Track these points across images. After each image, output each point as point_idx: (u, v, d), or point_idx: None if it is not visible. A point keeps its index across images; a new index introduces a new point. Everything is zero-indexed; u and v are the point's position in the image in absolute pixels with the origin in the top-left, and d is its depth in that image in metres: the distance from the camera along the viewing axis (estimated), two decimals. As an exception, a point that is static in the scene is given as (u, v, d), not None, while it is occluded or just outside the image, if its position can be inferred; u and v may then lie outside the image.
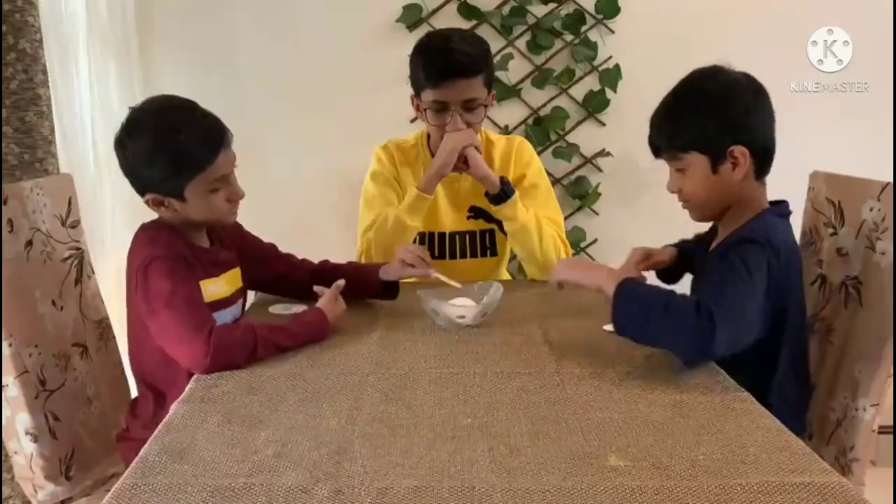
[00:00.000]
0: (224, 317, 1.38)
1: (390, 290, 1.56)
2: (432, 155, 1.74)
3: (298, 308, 1.46)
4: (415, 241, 1.74)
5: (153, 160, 1.25)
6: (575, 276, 1.32)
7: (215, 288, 1.38)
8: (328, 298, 1.40)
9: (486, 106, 1.69)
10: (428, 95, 1.65)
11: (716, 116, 1.26)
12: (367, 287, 1.55)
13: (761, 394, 1.13)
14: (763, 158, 1.29)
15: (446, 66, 1.60)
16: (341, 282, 1.44)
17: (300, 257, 1.60)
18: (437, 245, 1.83)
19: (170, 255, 1.27)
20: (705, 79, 1.29)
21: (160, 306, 1.23)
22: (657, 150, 1.34)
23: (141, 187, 1.30)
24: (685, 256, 1.51)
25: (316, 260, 1.62)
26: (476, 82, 1.63)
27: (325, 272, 1.55)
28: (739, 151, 1.25)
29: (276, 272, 1.56)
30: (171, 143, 1.25)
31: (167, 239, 1.30)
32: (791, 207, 1.34)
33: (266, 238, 1.63)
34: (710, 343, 1.12)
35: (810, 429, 1.47)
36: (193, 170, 1.27)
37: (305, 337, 1.32)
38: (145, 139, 1.25)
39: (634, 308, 1.19)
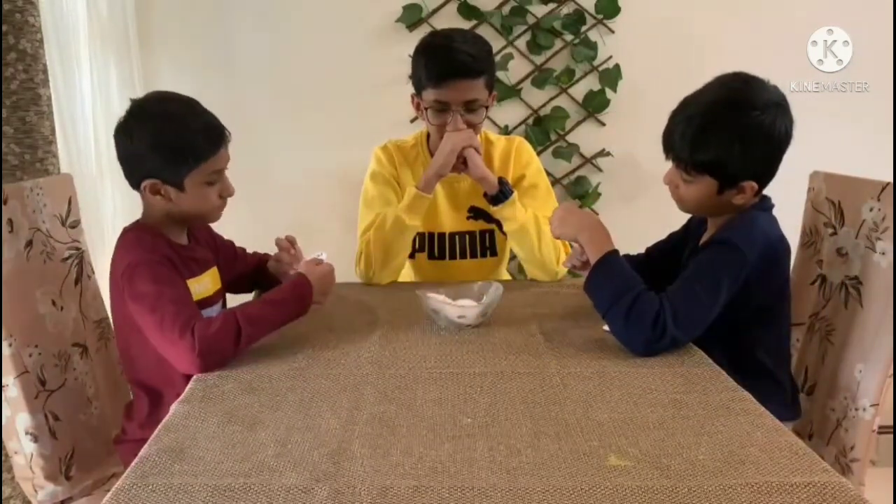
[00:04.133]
0: (210, 314, 1.37)
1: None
2: (432, 155, 1.74)
3: None
4: (414, 242, 1.74)
5: (159, 146, 1.27)
6: (568, 233, 1.41)
7: (199, 287, 1.38)
8: (309, 261, 1.42)
9: (486, 107, 1.69)
10: (429, 95, 1.64)
11: (745, 155, 1.25)
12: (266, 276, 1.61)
13: (752, 386, 1.14)
14: (766, 182, 1.32)
15: (448, 67, 1.60)
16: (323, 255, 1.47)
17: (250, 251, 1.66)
18: (437, 245, 1.83)
19: (153, 259, 1.27)
20: (750, 108, 1.24)
21: (146, 310, 1.23)
22: (672, 153, 1.32)
23: (140, 175, 1.30)
24: (654, 261, 1.54)
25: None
26: (478, 83, 1.63)
27: (262, 264, 1.63)
28: (749, 186, 1.29)
29: (241, 270, 1.60)
30: (179, 131, 1.28)
31: (150, 241, 1.31)
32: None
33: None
34: (657, 346, 1.23)
35: (811, 428, 1.47)
36: (197, 159, 1.29)
37: (287, 300, 1.32)
38: (153, 125, 1.28)
39: (606, 288, 1.28)
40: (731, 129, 1.25)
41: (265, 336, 1.28)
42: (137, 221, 1.37)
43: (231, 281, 1.56)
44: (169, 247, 1.33)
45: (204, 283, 1.40)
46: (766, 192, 1.34)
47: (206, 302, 1.39)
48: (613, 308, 1.26)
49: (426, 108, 1.67)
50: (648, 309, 1.22)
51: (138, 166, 1.30)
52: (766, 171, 1.30)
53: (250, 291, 1.63)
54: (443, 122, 1.66)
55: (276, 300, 1.32)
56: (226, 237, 1.59)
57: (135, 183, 1.32)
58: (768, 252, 1.29)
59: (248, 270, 1.61)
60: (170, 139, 1.27)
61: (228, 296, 1.56)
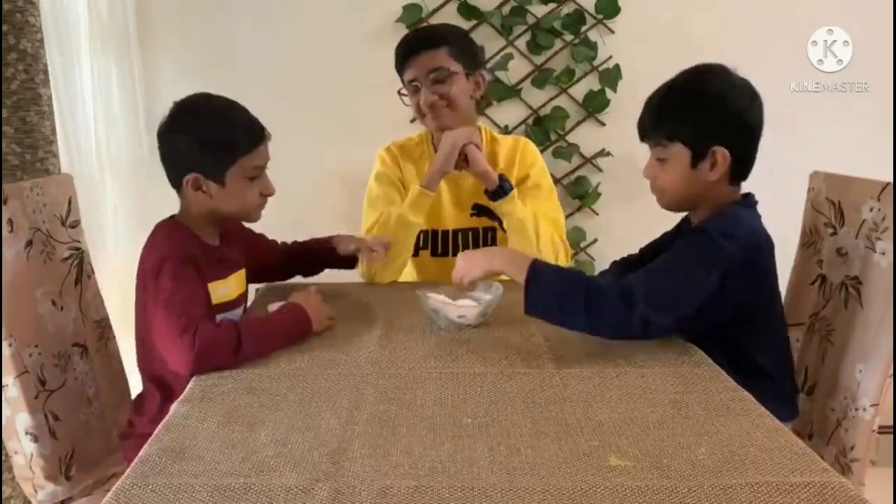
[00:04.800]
0: (233, 317, 1.39)
1: (348, 261, 1.68)
2: (436, 151, 1.75)
3: None
4: (417, 239, 1.75)
5: (202, 140, 1.31)
6: (478, 270, 1.36)
7: (224, 290, 1.39)
8: (302, 294, 1.41)
9: (475, 81, 1.74)
10: (404, 80, 1.73)
11: (708, 114, 1.28)
12: (327, 257, 1.68)
13: (751, 385, 1.14)
14: (742, 163, 1.31)
15: (410, 43, 1.72)
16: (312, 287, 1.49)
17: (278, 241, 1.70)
18: (441, 242, 1.84)
19: (182, 256, 1.28)
20: (707, 75, 1.31)
21: (160, 305, 1.24)
22: (644, 134, 1.36)
23: (182, 170, 1.33)
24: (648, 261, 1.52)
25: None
26: (439, 53, 1.69)
27: (295, 251, 1.68)
28: (721, 153, 1.28)
29: (272, 261, 1.63)
30: (222, 125, 1.32)
31: (181, 237, 1.33)
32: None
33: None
34: (625, 323, 1.20)
35: (811, 428, 1.47)
36: (239, 152, 1.32)
37: (288, 328, 1.32)
38: (197, 120, 1.32)
39: (550, 292, 1.24)
40: (693, 91, 1.31)
41: (262, 356, 1.26)
42: (173, 217, 1.39)
43: (265, 270, 1.61)
44: (198, 246, 1.35)
45: (229, 286, 1.41)
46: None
47: (230, 305, 1.40)
48: (568, 308, 1.23)
49: (405, 94, 1.74)
50: (608, 290, 1.22)
51: (181, 161, 1.33)
52: (737, 140, 1.29)
53: (275, 280, 1.68)
54: (417, 101, 1.72)
55: (277, 324, 1.31)
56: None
57: (176, 180, 1.34)
58: (753, 247, 1.28)
59: (281, 258, 1.65)
60: (213, 133, 1.31)
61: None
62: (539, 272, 1.26)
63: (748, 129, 1.30)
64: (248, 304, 1.55)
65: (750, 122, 1.29)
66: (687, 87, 1.32)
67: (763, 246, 1.31)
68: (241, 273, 1.48)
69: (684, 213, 1.45)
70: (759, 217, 1.34)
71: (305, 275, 1.71)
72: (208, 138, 1.31)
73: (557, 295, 1.24)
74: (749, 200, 1.35)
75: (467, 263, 1.37)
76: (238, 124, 1.33)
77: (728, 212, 1.31)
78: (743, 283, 1.26)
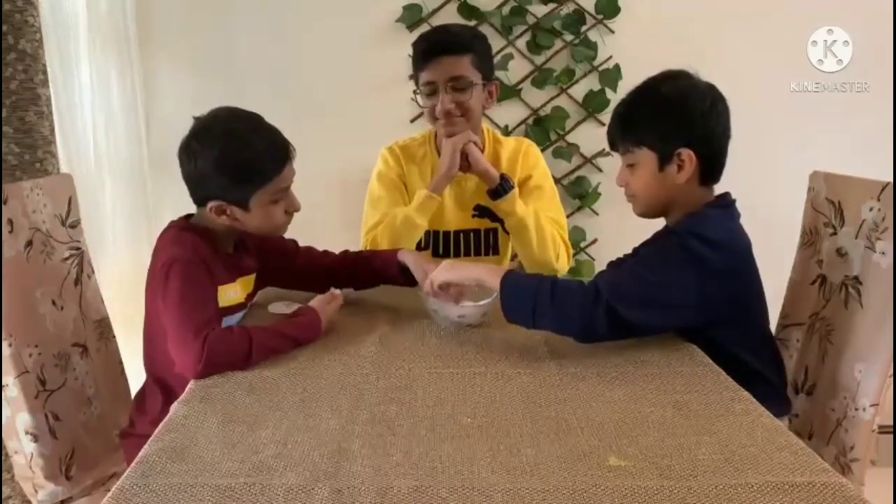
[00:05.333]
0: (233, 320, 1.38)
1: (409, 274, 1.52)
2: (439, 153, 1.76)
3: (297, 306, 1.46)
4: (420, 241, 1.75)
5: (224, 168, 1.27)
6: (454, 275, 1.36)
7: (232, 293, 1.38)
8: (322, 298, 1.41)
9: (489, 91, 1.72)
10: (420, 79, 1.69)
11: (669, 118, 1.31)
12: (387, 271, 1.54)
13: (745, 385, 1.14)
14: (710, 165, 1.33)
15: (433, 44, 1.68)
16: (337, 291, 1.46)
17: (321, 249, 1.61)
18: (442, 243, 1.85)
19: (191, 259, 1.27)
20: (667, 80, 1.34)
21: (171, 308, 1.23)
22: (612, 142, 1.41)
23: (204, 195, 1.30)
24: None
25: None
26: (462, 60, 1.66)
27: (347, 261, 1.58)
28: (686, 155, 1.30)
29: (297, 268, 1.56)
30: (244, 152, 1.27)
31: (192, 240, 1.31)
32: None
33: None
34: (591, 317, 1.21)
35: (811, 428, 1.47)
36: (262, 180, 1.29)
37: (299, 337, 1.31)
38: (218, 146, 1.27)
39: (522, 296, 1.26)
40: (655, 96, 1.34)
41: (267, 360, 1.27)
42: (188, 218, 1.37)
43: (286, 278, 1.56)
44: (210, 249, 1.33)
45: (236, 290, 1.39)
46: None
47: (234, 309, 1.39)
48: (538, 310, 1.24)
49: (420, 94, 1.71)
50: (573, 285, 1.25)
51: (202, 187, 1.30)
52: (701, 142, 1.30)
53: (309, 290, 1.55)
54: (433, 105, 1.69)
55: (291, 336, 1.30)
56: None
57: (199, 201, 1.33)
58: (733, 253, 1.29)
59: (322, 268, 1.56)
60: (235, 161, 1.27)
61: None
62: (511, 278, 1.29)
63: (711, 130, 1.31)
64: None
65: (713, 124, 1.31)
66: (649, 93, 1.35)
67: (742, 249, 1.32)
68: (250, 278, 1.46)
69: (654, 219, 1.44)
70: (735, 217, 1.35)
71: (357, 287, 1.60)
72: (230, 166, 1.27)
73: (528, 297, 1.25)
74: (724, 200, 1.35)
75: (446, 268, 1.37)
76: (261, 149, 1.28)
77: (700, 213, 1.32)
78: (725, 288, 1.27)
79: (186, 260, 1.26)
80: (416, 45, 1.71)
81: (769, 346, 1.41)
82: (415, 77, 1.71)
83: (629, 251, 1.56)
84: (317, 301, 1.40)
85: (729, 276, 1.27)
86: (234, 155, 1.27)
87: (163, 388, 1.35)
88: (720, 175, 1.35)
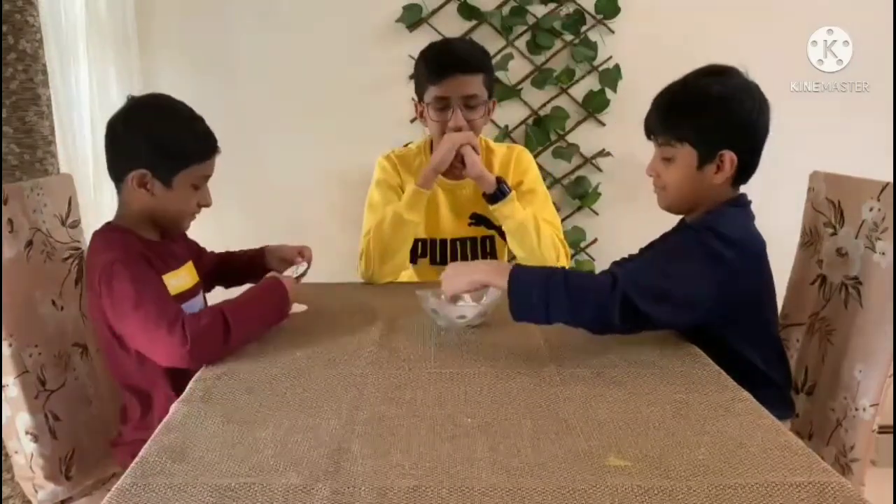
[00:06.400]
0: (191, 308, 1.37)
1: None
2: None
3: None
4: (416, 248, 1.75)
5: (157, 139, 1.28)
6: (462, 283, 1.33)
7: (177, 281, 1.38)
8: (284, 276, 1.44)
9: (487, 109, 1.73)
10: (431, 93, 1.68)
11: (719, 118, 1.28)
12: (257, 269, 1.57)
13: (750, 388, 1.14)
14: (746, 168, 1.31)
15: (448, 62, 1.67)
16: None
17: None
18: (439, 251, 1.85)
19: (128, 256, 1.26)
20: (719, 78, 1.30)
21: (129, 309, 1.22)
22: (651, 132, 1.36)
23: (128, 166, 1.30)
24: None
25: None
26: (476, 79, 1.67)
27: (224, 260, 1.64)
28: (729, 157, 1.28)
29: (209, 268, 1.59)
30: (179, 129, 1.31)
31: (121, 239, 1.30)
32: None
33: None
34: (608, 312, 1.17)
35: (811, 428, 1.47)
36: (192, 160, 1.31)
37: (265, 300, 1.34)
38: (156, 119, 1.30)
39: (534, 292, 1.21)
40: (706, 93, 1.29)
41: (250, 338, 1.28)
42: (108, 223, 1.37)
43: (205, 277, 1.56)
44: (141, 243, 1.33)
45: (181, 277, 1.40)
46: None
47: (185, 295, 1.39)
48: (552, 303, 1.19)
49: (428, 106, 1.70)
50: (586, 275, 1.23)
51: (130, 156, 1.30)
52: (745, 145, 1.29)
53: (227, 287, 1.63)
54: (444, 120, 1.69)
55: (255, 298, 1.33)
56: (218, 237, 1.60)
57: (118, 174, 1.32)
58: (751, 254, 1.28)
59: (211, 268, 1.60)
60: (170, 135, 1.30)
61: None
62: (519, 274, 1.23)
63: (757, 134, 1.30)
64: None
65: (759, 127, 1.29)
66: (699, 89, 1.30)
67: (758, 249, 1.31)
68: (190, 265, 1.47)
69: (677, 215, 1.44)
70: (752, 217, 1.34)
71: (228, 285, 1.65)
72: (166, 139, 1.29)
73: (541, 291, 1.21)
74: (741, 200, 1.35)
75: (452, 277, 1.36)
76: (197, 131, 1.32)
77: (717, 210, 1.31)
78: (739, 287, 1.26)
79: (124, 259, 1.25)
80: (428, 59, 1.70)
81: (777, 348, 1.41)
82: (422, 88, 1.70)
83: (629, 251, 1.56)
84: (270, 275, 1.42)
85: (744, 274, 1.27)
86: (171, 130, 1.30)
87: (135, 394, 1.35)
88: (751, 177, 1.33)
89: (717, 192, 1.32)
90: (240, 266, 1.63)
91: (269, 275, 1.41)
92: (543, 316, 1.22)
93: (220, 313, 1.24)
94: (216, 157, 1.36)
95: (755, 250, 1.30)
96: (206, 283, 1.58)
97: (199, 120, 1.34)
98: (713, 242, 1.24)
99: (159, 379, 1.27)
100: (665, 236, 1.45)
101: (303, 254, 1.58)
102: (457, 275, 1.35)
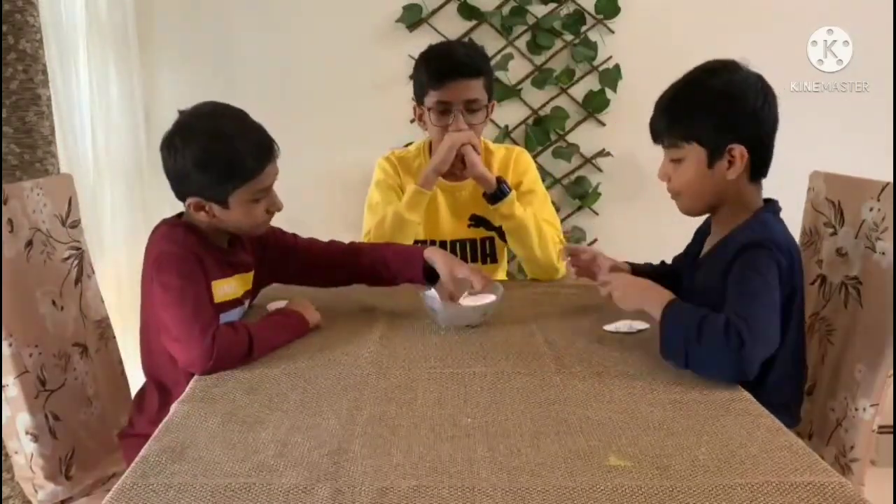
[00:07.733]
0: (231, 316, 1.38)
1: (433, 274, 1.47)
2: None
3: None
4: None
5: (205, 165, 1.26)
6: (633, 303, 1.31)
7: (227, 288, 1.37)
8: (293, 301, 1.43)
9: (487, 111, 1.73)
10: (431, 97, 1.68)
11: (722, 113, 1.26)
12: (408, 270, 1.49)
13: (755, 389, 1.13)
14: (760, 161, 1.29)
15: (449, 66, 1.67)
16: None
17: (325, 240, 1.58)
18: None
19: (181, 253, 1.27)
20: (719, 73, 1.28)
21: (169, 302, 1.24)
22: (657, 135, 1.34)
23: (184, 191, 1.30)
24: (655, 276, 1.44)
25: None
26: (477, 83, 1.68)
27: (354, 253, 1.53)
28: (738, 151, 1.26)
29: (298, 262, 1.53)
30: (225, 150, 1.26)
31: (183, 236, 1.31)
32: (791, 207, 1.34)
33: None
34: (745, 363, 1.12)
35: (811, 428, 1.47)
36: (242, 178, 1.28)
37: (288, 326, 1.35)
38: (198, 143, 1.26)
39: (675, 337, 1.18)
40: (706, 89, 1.27)
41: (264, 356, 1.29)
42: (180, 215, 1.37)
43: (289, 274, 1.53)
44: (201, 245, 1.32)
45: (231, 286, 1.38)
46: (764, 192, 1.33)
47: (228, 305, 1.37)
48: (691, 343, 1.15)
49: (429, 109, 1.70)
50: (717, 330, 1.13)
51: (182, 183, 1.30)
52: (753, 136, 1.27)
53: (317, 284, 1.55)
54: (445, 124, 1.70)
55: (282, 329, 1.33)
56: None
57: (180, 197, 1.32)
58: (790, 253, 1.26)
59: (329, 260, 1.53)
60: (215, 159, 1.26)
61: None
62: (671, 314, 1.20)
63: (764, 124, 1.28)
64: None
65: (765, 117, 1.27)
66: (701, 85, 1.29)
67: (794, 251, 1.29)
68: (247, 276, 1.45)
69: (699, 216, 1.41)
70: (785, 224, 1.32)
71: (371, 284, 1.54)
72: (210, 163, 1.25)
73: (682, 330, 1.16)
74: (774, 206, 1.32)
75: (624, 296, 1.32)
76: (243, 148, 1.27)
77: (759, 218, 1.29)
78: (784, 293, 1.23)
79: (176, 254, 1.27)
80: (428, 63, 1.70)
81: (799, 357, 1.36)
82: (422, 92, 1.70)
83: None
84: (291, 303, 1.42)
85: (792, 283, 1.25)
86: (215, 153, 1.26)
87: (159, 387, 1.35)
88: (768, 169, 1.31)
89: (738, 190, 1.29)
90: (385, 267, 1.51)
91: (299, 309, 1.38)
92: (682, 363, 1.18)
93: (247, 336, 1.24)
94: (274, 162, 1.32)
95: (797, 257, 1.29)
96: (328, 277, 1.52)
97: (247, 133, 1.29)
98: (774, 253, 1.21)
99: (182, 379, 1.26)
100: (699, 245, 1.42)
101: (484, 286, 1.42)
102: (628, 296, 1.32)
